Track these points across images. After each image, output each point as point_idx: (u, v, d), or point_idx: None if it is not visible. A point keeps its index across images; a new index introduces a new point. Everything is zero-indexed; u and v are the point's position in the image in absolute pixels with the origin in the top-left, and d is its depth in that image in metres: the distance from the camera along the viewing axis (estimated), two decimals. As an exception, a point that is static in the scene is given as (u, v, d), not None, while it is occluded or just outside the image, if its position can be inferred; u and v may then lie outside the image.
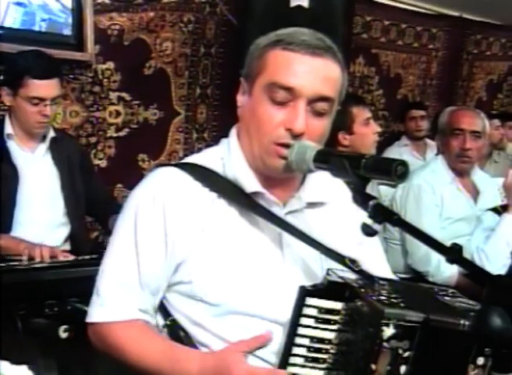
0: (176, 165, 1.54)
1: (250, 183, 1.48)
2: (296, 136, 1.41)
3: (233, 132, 1.56)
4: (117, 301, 1.47)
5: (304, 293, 1.29)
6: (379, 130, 3.31)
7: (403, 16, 5.50)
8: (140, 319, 1.47)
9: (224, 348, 1.39)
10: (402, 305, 1.20)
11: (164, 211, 1.45)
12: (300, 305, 1.28)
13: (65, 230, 2.90)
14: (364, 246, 1.56)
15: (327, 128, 1.49)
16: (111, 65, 3.85)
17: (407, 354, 1.18)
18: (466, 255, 1.20)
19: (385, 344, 1.16)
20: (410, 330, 1.17)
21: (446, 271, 3.10)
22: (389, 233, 3.50)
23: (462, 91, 6.20)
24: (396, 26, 5.49)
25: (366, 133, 3.19)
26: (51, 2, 3.50)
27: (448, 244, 1.21)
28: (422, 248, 3.08)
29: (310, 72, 1.41)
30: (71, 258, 2.48)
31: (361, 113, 3.20)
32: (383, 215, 1.27)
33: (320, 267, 1.48)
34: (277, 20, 3.57)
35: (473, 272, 1.22)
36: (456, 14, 5.82)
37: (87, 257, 2.36)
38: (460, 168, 3.32)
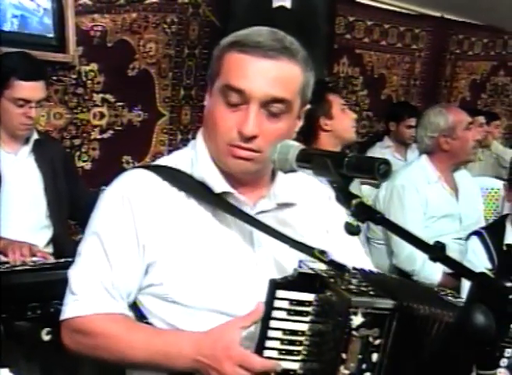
0: (144, 166, 1.55)
1: (218, 183, 1.48)
2: (248, 139, 1.42)
3: (200, 133, 1.56)
4: (93, 296, 1.44)
5: (275, 286, 1.28)
6: (355, 116, 3.42)
7: (385, 17, 5.52)
8: (120, 312, 1.45)
9: (218, 328, 1.35)
10: (371, 293, 1.21)
11: (133, 211, 1.45)
12: (271, 298, 1.28)
13: (48, 233, 2.88)
14: (339, 239, 1.56)
15: (285, 130, 1.47)
16: (94, 66, 3.83)
17: (378, 342, 1.18)
18: (449, 253, 1.20)
19: (354, 332, 1.17)
20: (379, 318, 1.18)
21: (430, 270, 3.12)
22: (373, 233, 3.53)
23: (446, 90, 6.23)
24: (379, 26, 5.50)
25: (344, 118, 3.28)
26: (25, 1, 3.47)
27: (432, 242, 1.22)
28: (407, 248, 3.10)
29: (260, 74, 1.41)
30: (52, 260, 2.47)
31: (337, 99, 3.31)
32: (366, 213, 1.28)
33: (293, 263, 1.46)
34: (259, 21, 3.55)
35: (456, 270, 1.21)
36: (437, 14, 5.84)
37: (70, 259, 2.34)
38: (470, 160, 3.54)
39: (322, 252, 1.38)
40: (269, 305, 1.28)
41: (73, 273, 1.48)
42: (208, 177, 1.49)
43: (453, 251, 2.93)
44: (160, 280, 1.44)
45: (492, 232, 2.75)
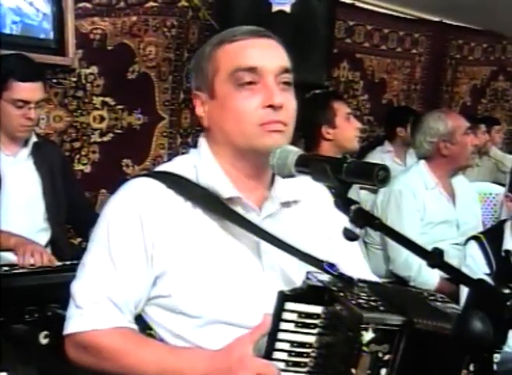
0: (149, 175, 1.53)
1: (227, 188, 1.48)
2: (277, 109, 1.42)
3: (202, 141, 1.55)
4: (99, 310, 1.41)
5: (283, 298, 1.27)
6: (360, 125, 3.41)
7: (385, 21, 5.52)
8: (127, 326, 1.43)
9: (229, 344, 1.33)
10: (381, 308, 1.20)
11: (141, 223, 1.43)
12: (279, 310, 1.27)
13: (46, 236, 2.87)
14: (339, 241, 1.54)
15: (294, 102, 1.51)
16: (94, 69, 3.83)
17: (387, 357, 1.18)
18: (447, 259, 1.20)
19: (364, 348, 1.16)
20: (389, 334, 1.17)
21: (428, 275, 3.12)
22: (370, 238, 3.53)
23: (447, 95, 6.22)
24: (378, 31, 5.50)
25: (348, 127, 3.28)
26: (24, 6, 3.45)
27: (429, 248, 1.21)
28: (403, 253, 3.10)
29: (265, 49, 1.46)
30: (56, 263, 2.46)
31: (342, 108, 3.32)
32: (365, 219, 1.28)
33: (299, 273, 1.47)
34: (259, 25, 3.57)
35: (454, 276, 1.21)
36: (436, 19, 5.85)
37: (68, 262, 2.33)
38: (468, 166, 3.55)
39: (332, 265, 1.37)
40: (277, 317, 1.27)
41: (78, 286, 1.45)
42: (215, 183, 1.48)
43: (451, 257, 2.93)
44: (168, 291, 1.42)
45: (490, 237, 2.75)
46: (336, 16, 4.55)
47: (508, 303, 1.06)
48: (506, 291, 1.09)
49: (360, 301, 1.22)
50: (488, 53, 6.43)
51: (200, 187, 1.48)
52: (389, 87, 5.74)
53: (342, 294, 1.26)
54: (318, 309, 1.28)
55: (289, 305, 1.27)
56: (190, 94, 1.58)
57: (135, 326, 1.45)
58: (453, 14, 5.64)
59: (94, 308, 1.41)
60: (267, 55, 1.45)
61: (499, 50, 6.48)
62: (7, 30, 3.42)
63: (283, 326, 1.27)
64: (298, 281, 1.45)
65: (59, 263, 2.48)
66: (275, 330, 1.27)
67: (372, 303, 1.22)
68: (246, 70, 1.43)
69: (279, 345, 1.28)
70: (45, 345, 2.06)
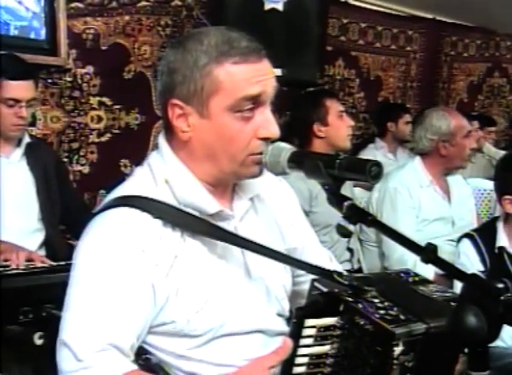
0: (128, 204, 1.41)
1: (210, 204, 1.46)
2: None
3: (166, 149, 1.49)
4: (105, 360, 1.30)
5: (303, 315, 1.26)
6: (353, 123, 3.41)
7: (378, 18, 5.52)
8: (132, 369, 1.33)
9: (246, 367, 1.27)
10: (402, 317, 1.21)
11: (142, 259, 1.36)
12: (299, 327, 1.26)
13: (40, 236, 2.87)
14: (296, 225, 1.65)
15: None
16: (90, 69, 3.82)
17: (411, 364, 1.19)
18: (442, 254, 1.20)
19: (395, 361, 1.17)
20: (414, 343, 1.19)
21: (422, 272, 3.10)
22: (366, 235, 3.53)
23: (444, 92, 6.22)
24: (372, 28, 5.50)
25: (340, 125, 3.28)
26: (14, 5, 3.43)
27: (424, 244, 1.22)
28: (398, 250, 3.09)
29: (266, 75, 1.42)
30: (47, 263, 2.45)
31: (334, 106, 3.32)
32: (358, 215, 1.28)
33: (280, 273, 1.57)
34: (252, 23, 3.60)
35: (448, 271, 1.21)
36: (429, 16, 5.84)
37: (63, 263, 2.32)
38: (462, 167, 3.48)
39: (340, 275, 1.35)
40: (298, 335, 1.26)
41: (74, 335, 1.32)
42: (197, 199, 1.45)
43: (446, 253, 2.93)
44: (172, 318, 1.39)
45: (483, 234, 2.74)
46: (329, 13, 4.56)
47: (502, 297, 1.06)
48: (500, 285, 1.09)
49: (381, 312, 1.22)
50: (482, 50, 6.42)
51: (182, 210, 1.43)
52: (384, 85, 5.74)
53: (360, 305, 1.25)
54: (334, 320, 1.28)
55: (308, 322, 1.27)
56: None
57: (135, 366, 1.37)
58: (446, 11, 5.64)
59: (97, 359, 1.29)
60: (268, 82, 1.42)
61: (492, 46, 6.48)
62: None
63: (303, 342, 1.27)
64: (282, 279, 1.56)
65: (49, 262, 2.46)
66: (295, 347, 1.26)
67: (391, 312, 1.23)
68: (249, 99, 1.39)
69: (298, 360, 1.27)
70: (40, 346, 2.04)
